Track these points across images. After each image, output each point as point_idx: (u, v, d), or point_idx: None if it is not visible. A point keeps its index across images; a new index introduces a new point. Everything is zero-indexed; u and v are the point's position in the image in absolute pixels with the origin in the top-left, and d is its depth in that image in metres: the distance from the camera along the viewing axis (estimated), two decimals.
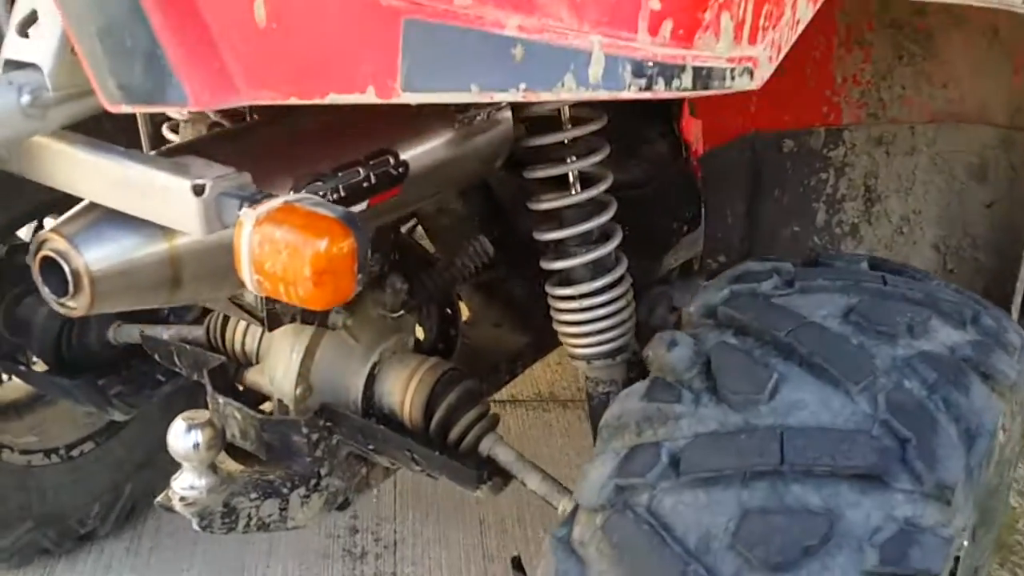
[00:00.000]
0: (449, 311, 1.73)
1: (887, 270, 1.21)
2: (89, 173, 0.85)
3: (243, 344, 1.61)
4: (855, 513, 0.91)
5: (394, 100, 0.74)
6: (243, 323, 1.62)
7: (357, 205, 1.08)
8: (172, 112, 1.39)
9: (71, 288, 0.88)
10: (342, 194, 1.05)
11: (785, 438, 0.95)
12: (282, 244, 0.72)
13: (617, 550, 0.96)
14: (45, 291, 0.90)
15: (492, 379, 1.82)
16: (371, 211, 1.16)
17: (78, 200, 0.96)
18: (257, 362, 1.58)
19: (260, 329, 1.60)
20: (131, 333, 1.87)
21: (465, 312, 2.16)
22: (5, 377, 2.23)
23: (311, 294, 0.73)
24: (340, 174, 1.07)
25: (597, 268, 1.39)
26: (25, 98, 0.79)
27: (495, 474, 1.48)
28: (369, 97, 0.73)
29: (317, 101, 0.68)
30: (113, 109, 0.74)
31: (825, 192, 1.72)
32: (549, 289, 1.43)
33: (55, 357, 1.90)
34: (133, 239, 0.91)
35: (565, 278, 1.41)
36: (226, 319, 1.66)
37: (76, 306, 0.90)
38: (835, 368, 0.99)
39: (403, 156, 1.14)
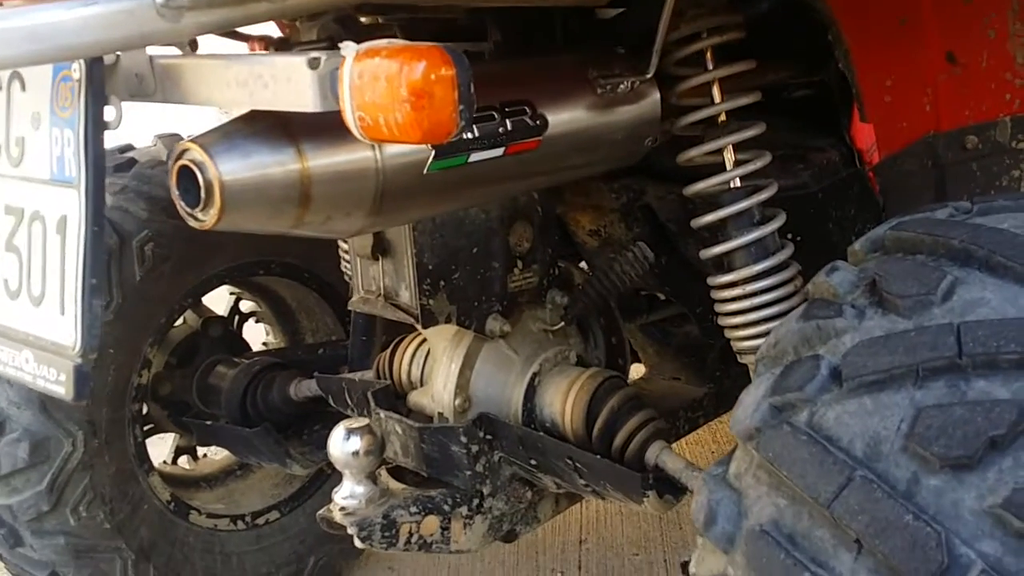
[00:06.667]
0: (615, 340, 1.67)
1: None
2: (220, 79, 0.89)
3: (409, 373, 1.61)
4: None
5: None
6: (408, 353, 1.62)
7: (493, 150, 1.07)
8: None
9: (203, 198, 0.91)
10: (476, 134, 1.05)
11: (962, 330, 0.83)
12: (382, 71, 0.72)
13: (774, 467, 0.85)
14: (180, 203, 0.93)
15: (671, 430, 1.73)
16: (513, 164, 1.14)
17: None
18: (421, 386, 1.57)
19: (424, 356, 1.60)
20: (310, 386, 1.91)
21: (641, 369, 2.09)
22: (201, 453, 2.32)
23: (409, 118, 0.71)
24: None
25: (759, 250, 1.32)
26: None
27: (665, 487, 1.38)
28: None
29: None
30: None
31: (1020, 191, 1.57)
32: (711, 281, 1.36)
33: (241, 415, 1.96)
34: (268, 155, 0.93)
35: (727, 265, 1.34)
36: (392, 355, 1.67)
37: (206, 218, 0.92)
38: (1020, 264, 0.87)
39: (541, 111, 1.13)
